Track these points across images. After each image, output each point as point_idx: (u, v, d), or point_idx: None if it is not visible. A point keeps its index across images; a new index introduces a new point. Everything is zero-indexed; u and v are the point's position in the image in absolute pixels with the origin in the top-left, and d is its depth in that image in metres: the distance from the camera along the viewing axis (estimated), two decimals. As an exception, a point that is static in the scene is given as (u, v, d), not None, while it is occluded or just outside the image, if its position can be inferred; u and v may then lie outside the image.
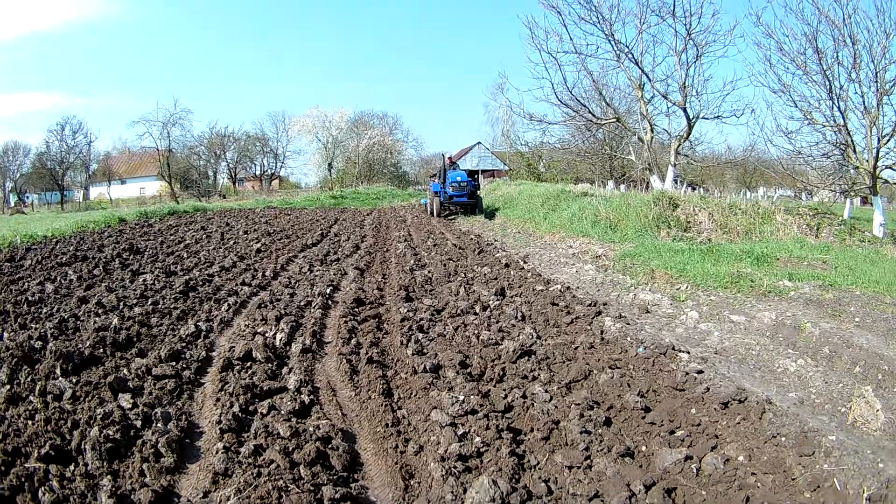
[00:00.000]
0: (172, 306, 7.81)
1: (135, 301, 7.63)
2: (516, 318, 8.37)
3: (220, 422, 4.67)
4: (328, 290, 9.80)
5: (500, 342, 7.29)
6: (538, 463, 4.62)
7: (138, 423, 4.50)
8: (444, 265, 12.30)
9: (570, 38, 23.46)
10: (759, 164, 33.90)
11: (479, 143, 76.05)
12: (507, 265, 12.49)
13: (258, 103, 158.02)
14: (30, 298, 7.99)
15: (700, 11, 22.28)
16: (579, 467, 4.50)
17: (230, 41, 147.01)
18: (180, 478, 4.06)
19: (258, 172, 77.06)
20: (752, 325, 9.36)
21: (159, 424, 4.59)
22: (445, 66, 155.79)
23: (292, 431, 4.57)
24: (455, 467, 4.16)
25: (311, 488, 3.77)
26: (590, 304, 9.07)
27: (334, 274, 11.40)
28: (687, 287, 11.37)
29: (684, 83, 22.91)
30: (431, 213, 30.21)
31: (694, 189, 37.05)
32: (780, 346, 8.64)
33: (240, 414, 4.86)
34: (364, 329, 7.71)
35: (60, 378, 5.13)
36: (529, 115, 29.40)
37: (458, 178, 29.15)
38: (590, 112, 26.96)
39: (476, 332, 7.62)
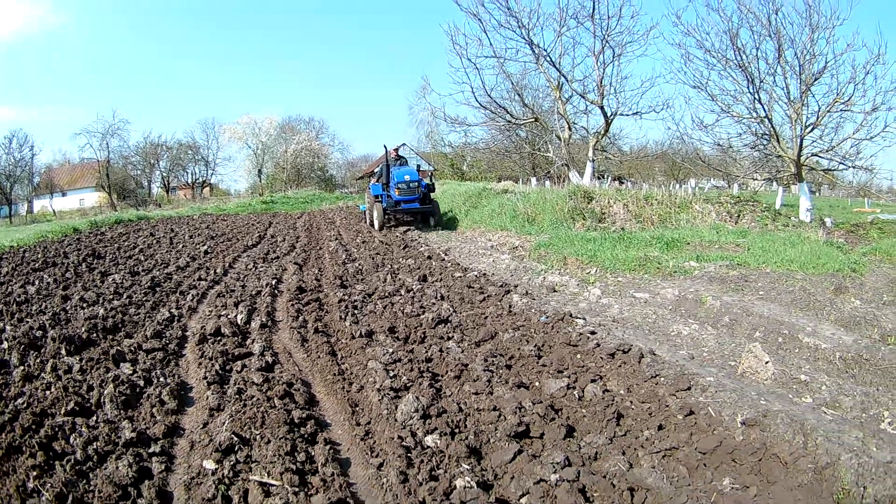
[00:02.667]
0: (144, 299, 8.47)
1: (111, 296, 8.24)
2: (436, 297, 9.17)
3: (206, 377, 5.53)
4: (273, 282, 10.57)
5: (422, 314, 8.14)
6: (451, 393, 5.56)
7: (141, 383, 5.31)
8: (373, 258, 13.13)
9: (490, 44, 23.46)
10: (683, 157, 32.48)
11: (404, 144, 71.42)
12: (429, 257, 13.33)
13: (190, 111, 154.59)
14: (17, 299, 8.49)
15: (619, 13, 22.17)
16: (483, 393, 5.36)
17: (161, 50, 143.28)
18: (182, 417, 4.90)
19: (190, 180, 74.71)
20: (655, 300, 9.76)
21: (160, 380, 5.45)
22: (371, 69, 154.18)
23: (264, 379, 5.50)
24: (388, 394, 5.11)
25: (284, 412, 4.69)
26: (501, 286, 9.88)
27: (276, 269, 12.12)
28: (596, 271, 11.73)
29: (601, 82, 22.70)
30: (371, 225, 22.27)
31: (621, 183, 36.59)
32: (678, 316, 9.01)
33: (220, 371, 5.76)
34: (308, 309, 8.53)
35: (66, 357, 5.81)
36: (451, 119, 28.42)
37: (407, 178, 20.62)
38: (508, 113, 26.44)
39: (402, 308, 8.47)
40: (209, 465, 3.90)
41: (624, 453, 4.69)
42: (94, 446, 4.09)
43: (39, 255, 12.99)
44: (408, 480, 3.86)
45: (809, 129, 19.99)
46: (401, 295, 9.42)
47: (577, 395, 5.69)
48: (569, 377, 6.08)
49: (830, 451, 4.44)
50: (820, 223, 18.96)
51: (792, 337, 7.62)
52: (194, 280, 10.61)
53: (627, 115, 23.84)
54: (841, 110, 19.63)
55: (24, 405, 4.71)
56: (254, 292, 9.72)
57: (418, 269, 11.77)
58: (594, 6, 22.16)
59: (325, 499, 3.53)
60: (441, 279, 10.83)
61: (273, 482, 3.63)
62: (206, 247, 15.27)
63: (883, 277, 10.37)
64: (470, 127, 29.63)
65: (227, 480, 3.69)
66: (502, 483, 4.17)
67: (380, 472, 4.10)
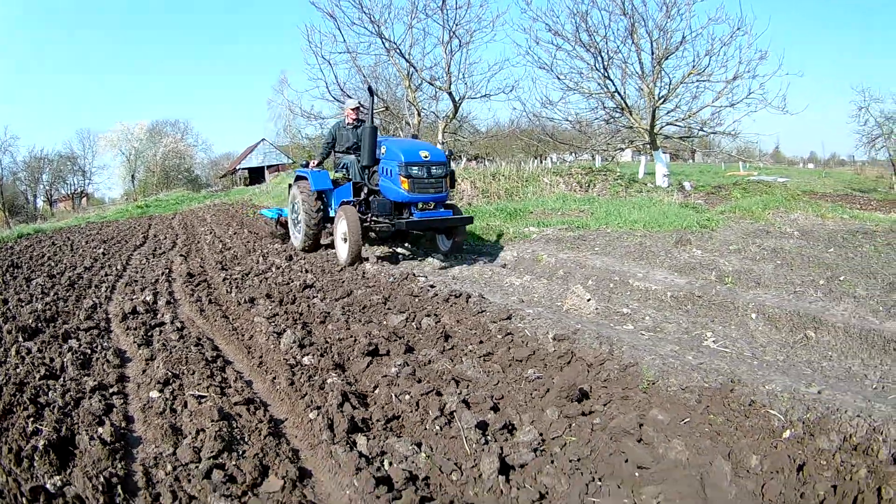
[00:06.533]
0: (68, 294, 8.94)
1: (41, 295, 8.61)
2: (301, 271, 9.96)
3: (135, 342, 6.24)
4: (166, 271, 11.20)
5: (291, 283, 8.91)
6: (319, 331, 6.52)
7: (88, 351, 5.94)
8: (245, 246, 13.79)
9: (344, 40, 22.10)
10: (538, 134, 30.83)
11: (264, 139, 70.51)
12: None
13: (69, 123, 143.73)
14: (-40, 307, 8.82)
15: (468, 3, 21.16)
16: (342, 329, 6.37)
17: (38, 61, 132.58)
18: (125, 370, 5.63)
19: (70, 192, 69.86)
20: (494, 262, 10.12)
21: (102, 347, 6.15)
22: (231, 68, 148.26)
23: (179, 337, 6.32)
24: (272, 336, 6.10)
25: (200, 355, 5.60)
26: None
27: (166, 261, 12.67)
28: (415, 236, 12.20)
29: (449, 69, 22.02)
30: (308, 248, 12.20)
31: (478, 162, 36.11)
32: (515, 272, 9.30)
33: (144, 336, 6.47)
34: (200, 289, 9.20)
35: (24, 342, 6.25)
36: (307, 113, 27.12)
37: (425, 154, 9.96)
38: (360, 104, 24.55)
39: (274, 280, 9.23)
40: (154, 394, 4.75)
41: (451, 360, 5.35)
42: (70, 395, 4.73)
43: (-35, 270, 12.67)
44: (294, 384, 4.90)
45: (661, 100, 19.68)
46: (272, 272, 10.16)
47: (415, 326, 6.50)
48: (408, 314, 6.85)
49: (635, 356, 4.86)
50: (678, 187, 19.39)
51: (622, 282, 7.80)
52: (102, 276, 10.98)
53: (476, 98, 23.32)
54: (697, 81, 19.37)
55: (4, 380, 5.08)
56: (153, 280, 10.26)
57: (284, 251, 12.45)
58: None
59: (240, 399, 4.62)
60: (304, 258, 11.55)
61: (203, 394, 4.73)
62: (101, 249, 15.37)
63: (738, 231, 10.16)
64: (325, 119, 27.28)
65: (170, 400, 4.65)
66: (360, 382, 5.15)
67: (274, 382, 5.16)
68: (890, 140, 35.28)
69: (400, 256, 11.44)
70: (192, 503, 3.28)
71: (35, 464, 3.66)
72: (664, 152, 22.38)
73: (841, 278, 7.12)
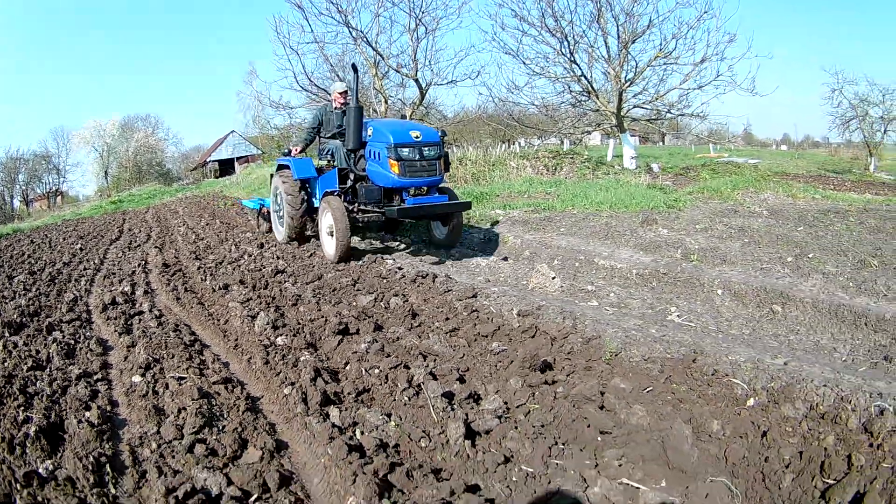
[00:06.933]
0: (49, 290, 8.87)
1: (23, 291, 8.53)
2: (273, 258, 9.98)
3: (116, 330, 6.29)
4: (143, 263, 11.17)
5: (263, 269, 8.95)
6: (291, 313, 6.58)
7: (72, 342, 5.98)
8: (218, 236, 13.75)
9: (312, 30, 21.71)
10: (504, 119, 28.93)
11: (234, 131, 69.10)
12: (264, 232, 13.85)
13: (44, 122, 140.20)
14: (-52, 304, 8.73)
15: None
16: (313, 311, 6.46)
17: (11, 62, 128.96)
18: (108, 357, 5.69)
19: (45, 191, 68.33)
20: (461, 244, 10.05)
21: (85, 337, 6.19)
22: (200, 61, 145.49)
23: (158, 324, 6.39)
24: (247, 319, 6.20)
25: (178, 339, 5.71)
26: (325, 244, 10.43)
27: (141, 253, 12.61)
28: (409, 226, 11.85)
29: (415, 56, 21.75)
30: (292, 238, 11.23)
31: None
32: (480, 255, 9.28)
33: (125, 325, 6.52)
34: (175, 278, 9.19)
35: (11, 337, 6.23)
36: (276, 103, 26.50)
37: (416, 134, 8.72)
38: (328, 94, 22.57)
39: (247, 267, 9.26)
40: (137, 378, 4.82)
41: (419, 336, 5.41)
42: (57, 384, 4.78)
43: (-51, 268, 12.44)
44: (269, 363, 5.04)
45: (628, 84, 19.35)
46: (244, 259, 10.19)
47: (383, 305, 6.58)
48: (377, 294, 6.92)
49: (598, 329, 4.92)
50: (646, 169, 19.06)
51: (588, 261, 7.77)
52: (81, 270, 10.91)
53: (442, 84, 23.05)
54: (664, 64, 19.07)
55: (-7, 374, 5.06)
56: (130, 272, 10.22)
57: (255, 240, 12.41)
58: (409, -14, 20.48)
59: (218, 378, 4.75)
60: (276, 246, 11.54)
61: (183, 376, 4.85)
62: (79, 245, 15.21)
63: (706, 211, 10.03)
64: (293, 109, 26.62)
65: (152, 383, 4.73)
66: (332, 359, 5.25)
67: (249, 362, 5.27)
68: (864, 122, 35.07)
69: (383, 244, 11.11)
70: (176, 476, 3.41)
71: (27, 450, 3.75)
72: (632, 135, 22.16)
73: (810, 255, 7.05)
